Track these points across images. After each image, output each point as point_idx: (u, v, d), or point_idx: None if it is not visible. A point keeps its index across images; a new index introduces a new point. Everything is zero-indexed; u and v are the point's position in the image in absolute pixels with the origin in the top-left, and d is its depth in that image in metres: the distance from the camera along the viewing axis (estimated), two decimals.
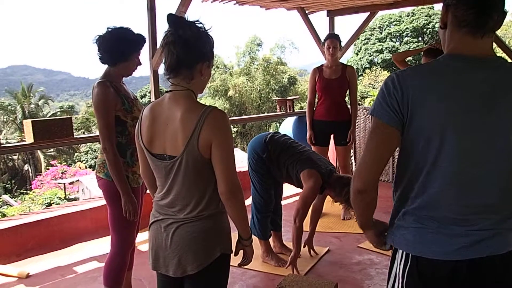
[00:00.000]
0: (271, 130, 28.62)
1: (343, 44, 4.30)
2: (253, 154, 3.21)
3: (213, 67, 29.82)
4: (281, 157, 3.14)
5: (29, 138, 3.41)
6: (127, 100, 2.37)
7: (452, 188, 1.22)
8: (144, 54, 2.48)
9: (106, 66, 2.38)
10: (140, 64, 2.46)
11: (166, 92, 1.63)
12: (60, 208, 4.38)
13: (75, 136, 3.63)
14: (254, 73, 30.39)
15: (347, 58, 33.19)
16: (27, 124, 3.42)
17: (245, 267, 3.05)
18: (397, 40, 34.29)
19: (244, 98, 29.52)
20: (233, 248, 1.71)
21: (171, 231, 1.61)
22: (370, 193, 1.31)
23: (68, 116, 3.64)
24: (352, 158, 5.90)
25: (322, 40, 4.23)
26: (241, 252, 1.76)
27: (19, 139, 28.46)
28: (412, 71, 1.26)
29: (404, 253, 1.32)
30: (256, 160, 3.18)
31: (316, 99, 4.22)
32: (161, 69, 4.15)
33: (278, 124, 22.51)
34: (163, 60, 1.61)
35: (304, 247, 3.33)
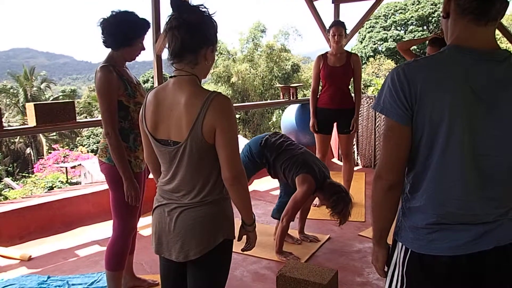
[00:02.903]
0: (274, 118, 28.48)
1: (348, 31, 4.24)
2: (247, 154, 3.28)
3: (217, 53, 29.82)
4: (276, 161, 3.21)
5: (31, 121, 3.40)
6: (130, 85, 2.36)
7: (458, 182, 1.21)
8: (148, 39, 2.45)
9: (109, 50, 2.36)
10: (143, 49, 2.44)
11: (170, 77, 1.61)
12: (61, 191, 4.39)
13: (77, 120, 3.62)
14: (257, 59, 30.21)
15: (351, 46, 32.97)
16: (30, 107, 3.41)
17: (247, 253, 3.09)
18: (402, 28, 33.99)
19: (247, 85, 29.40)
20: (236, 234, 1.72)
21: (175, 215, 1.61)
22: (400, 187, 1.31)
23: (71, 100, 3.60)
24: (355, 146, 5.88)
25: (327, 28, 4.17)
26: (244, 237, 1.76)
27: (22, 122, 28.50)
28: (418, 64, 1.24)
29: (405, 246, 1.32)
30: (249, 160, 3.26)
31: (320, 87, 4.19)
32: (165, 54, 4.13)
33: (281, 112, 22.47)
34: (167, 45, 1.59)
35: (301, 239, 3.45)
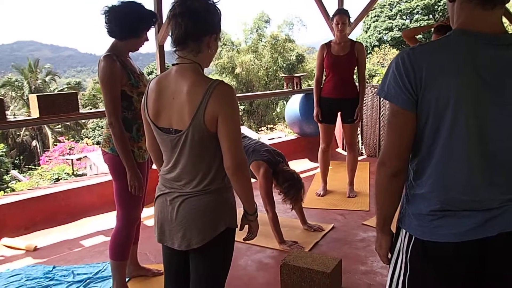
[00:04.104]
0: (278, 109, 28.42)
1: (352, 20, 4.20)
2: None
3: (221, 44, 29.40)
4: None
5: (34, 113, 3.41)
6: (133, 75, 2.35)
7: (462, 168, 1.19)
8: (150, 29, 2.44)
9: (112, 39, 2.35)
10: (147, 40, 2.44)
11: (173, 65, 1.60)
12: (66, 183, 4.41)
13: (80, 112, 3.62)
14: (261, 50, 30.10)
15: (356, 35, 32.71)
16: (33, 99, 3.42)
17: (251, 242, 3.09)
18: (407, 17, 33.66)
19: (251, 76, 29.33)
20: (239, 223, 1.72)
21: (177, 204, 1.61)
22: (404, 174, 1.30)
23: (74, 91, 3.60)
24: (359, 136, 5.86)
25: (331, 16, 4.13)
26: (246, 226, 1.76)
27: (27, 115, 28.62)
28: (423, 48, 1.22)
29: (408, 233, 1.32)
30: None
31: (324, 76, 4.16)
32: (167, 44, 4.10)
33: (285, 102, 22.40)
34: (170, 33, 1.58)
35: (305, 229, 3.46)
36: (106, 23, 2.28)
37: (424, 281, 1.29)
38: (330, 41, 4.10)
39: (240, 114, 28.07)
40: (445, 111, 1.17)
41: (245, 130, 22.13)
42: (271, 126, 25.22)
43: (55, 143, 24.79)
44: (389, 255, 1.44)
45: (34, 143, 29.02)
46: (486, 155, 1.19)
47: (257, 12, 32.39)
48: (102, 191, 3.92)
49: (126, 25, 2.28)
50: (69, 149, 20.90)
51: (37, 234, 3.52)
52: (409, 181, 1.32)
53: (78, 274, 2.85)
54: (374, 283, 2.65)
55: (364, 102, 5.47)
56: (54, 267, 2.95)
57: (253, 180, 4.60)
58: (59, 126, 29.08)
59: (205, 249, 1.62)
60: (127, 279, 2.70)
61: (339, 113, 4.17)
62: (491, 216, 1.21)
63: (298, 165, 5.45)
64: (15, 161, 28.43)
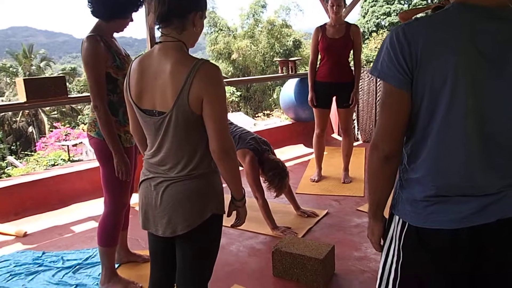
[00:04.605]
0: (275, 95, 28.31)
1: (347, 2, 4.09)
2: None
3: (217, 30, 29.05)
4: None
5: (21, 97, 3.33)
6: (119, 57, 2.27)
7: (460, 151, 1.13)
8: (140, 10, 2.36)
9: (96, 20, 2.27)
10: (132, 20, 2.36)
11: (156, 43, 1.53)
12: (58, 168, 4.35)
13: (69, 96, 3.54)
14: (258, 36, 29.84)
15: (353, 20, 32.38)
16: (19, 82, 3.33)
17: (243, 228, 3.05)
18: (406, 2, 33.33)
19: (248, 62, 29.12)
20: (226, 209, 1.66)
21: (161, 189, 1.55)
22: (398, 158, 1.24)
23: (62, 75, 3.52)
24: (355, 121, 5.80)
25: None
26: (234, 213, 1.71)
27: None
28: (419, 23, 1.14)
29: (402, 219, 1.26)
30: None
31: (319, 60, 4.08)
32: None
33: (282, 88, 22.23)
34: (153, 9, 1.50)
35: (298, 215, 3.43)
36: (89, 2, 2.19)
37: (417, 269, 1.24)
38: (325, 24, 4.01)
39: (237, 100, 28.04)
40: (442, 89, 1.11)
41: (241, 116, 22.05)
42: (268, 112, 25.14)
43: (51, 129, 24.67)
44: (382, 242, 1.39)
45: (30, 129, 28.87)
46: (485, 137, 1.13)
47: None
48: (93, 177, 3.86)
49: (114, 5, 2.19)
50: (65, 135, 20.79)
51: (27, 219, 3.48)
52: (403, 165, 1.27)
53: (67, 260, 2.80)
54: (367, 269, 2.62)
55: (360, 87, 5.42)
56: (43, 253, 2.91)
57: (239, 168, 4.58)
58: (55, 112, 28.92)
59: (191, 236, 1.57)
60: (117, 265, 2.67)
61: (334, 98, 4.10)
62: (489, 202, 1.15)
63: (293, 151, 5.41)
64: (12, 147, 28.32)
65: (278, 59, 5.41)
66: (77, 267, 2.72)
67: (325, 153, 4.45)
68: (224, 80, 4.50)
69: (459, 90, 1.09)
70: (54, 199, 3.70)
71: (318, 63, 4.07)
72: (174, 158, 1.53)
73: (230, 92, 26.53)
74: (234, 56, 28.70)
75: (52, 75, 28.84)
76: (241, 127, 3.42)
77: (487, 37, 1.08)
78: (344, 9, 3.93)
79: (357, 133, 5.86)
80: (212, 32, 29.92)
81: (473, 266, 1.19)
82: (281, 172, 3.10)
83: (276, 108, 25.87)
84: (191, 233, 1.55)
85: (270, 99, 29.04)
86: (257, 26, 30.29)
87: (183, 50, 1.50)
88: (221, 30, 29.81)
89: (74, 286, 2.50)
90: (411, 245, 1.24)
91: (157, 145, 1.55)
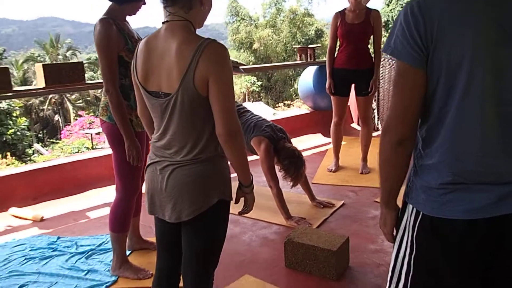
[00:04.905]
0: (296, 85, 28.15)
1: None
2: None
3: (238, 19, 28.86)
4: None
5: (40, 83, 3.36)
6: (131, 40, 2.24)
7: (478, 135, 1.05)
8: None
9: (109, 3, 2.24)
10: (144, 3, 2.32)
11: (163, 23, 1.49)
12: (76, 155, 4.40)
13: (86, 82, 3.55)
14: (280, 25, 29.54)
15: (378, 8, 31.75)
16: (38, 68, 3.36)
17: (256, 217, 3.01)
18: None
19: (269, 51, 28.89)
20: (234, 196, 1.62)
21: (167, 173, 1.52)
22: (411, 142, 1.16)
23: (80, 61, 3.53)
24: (375, 111, 5.66)
25: None
26: (242, 200, 1.66)
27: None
28: None
29: (415, 209, 1.19)
30: None
31: (338, 46, 3.97)
32: None
33: None
34: None
35: (314, 205, 3.36)
36: None
37: (431, 261, 1.16)
38: (345, 9, 3.89)
39: (258, 90, 27.94)
40: (459, 68, 1.03)
41: (261, 105, 21.94)
42: (289, 102, 24.94)
43: (75, 118, 25.11)
44: (394, 233, 1.32)
45: (56, 117, 29.47)
46: (505, 119, 1.04)
47: None
48: (110, 163, 3.74)
49: None
50: (89, 123, 21.10)
51: (45, 204, 3.53)
52: (418, 151, 1.19)
53: (81, 245, 2.83)
54: (383, 262, 2.54)
55: (380, 74, 5.27)
56: (58, 238, 2.94)
57: (254, 157, 4.51)
58: (80, 101, 29.41)
59: (197, 222, 1.53)
60: (128, 252, 2.67)
61: (353, 86, 3.98)
62: (509, 190, 1.07)
63: (311, 140, 5.32)
64: (39, 135, 29.00)
65: (297, 46, 5.30)
66: (90, 252, 2.73)
67: (343, 143, 4.36)
68: (242, 67, 4.45)
69: (478, 69, 1.01)
70: (71, 184, 3.73)
71: (337, 49, 3.96)
72: (180, 141, 1.49)
73: (251, 82, 26.45)
74: (255, 45, 28.49)
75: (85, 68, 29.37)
76: (257, 115, 3.36)
77: (508, 10, 1.00)
78: None
79: (377, 123, 5.72)
80: (234, 22, 29.79)
81: (489, 260, 1.11)
82: (297, 161, 3.03)
83: (296, 98, 25.66)
84: (197, 219, 1.52)
85: (291, 89, 28.79)
86: (279, 15, 29.98)
87: (190, 30, 1.45)
88: (243, 19, 29.62)
89: (86, 271, 2.51)
90: (425, 236, 1.16)
91: (163, 128, 1.51)
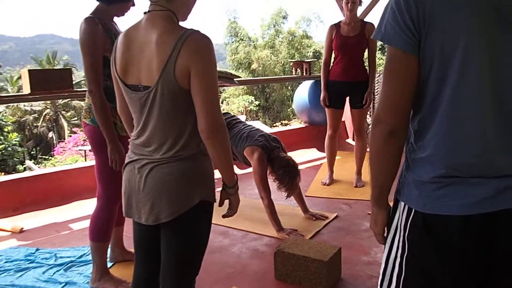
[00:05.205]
0: (293, 105, 28.41)
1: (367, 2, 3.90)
2: None
3: (237, 40, 29.05)
4: None
5: (26, 89, 3.27)
6: None
7: (474, 125, 0.97)
8: None
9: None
10: (134, 5, 2.26)
11: (144, 13, 1.41)
12: (62, 165, 4.28)
13: (74, 89, 3.46)
14: (278, 46, 29.83)
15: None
16: (24, 74, 3.27)
17: (247, 229, 2.90)
18: None
19: (267, 72, 29.06)
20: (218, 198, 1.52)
21: (145, 172, 1.41)
22: (403, 133, 1.08)
23: (68, 67, 3.45)
24: (370, 126, 5.58)
25: None
26: (226, 202, 1.55)
27: (44, 106, 28.93)
28: None
29: (407, 206, 1.10)
30: None
31: (333, 59, 3.92)
32: None
33: None
34: None
35: (307, 217, 3.25)
36: None
37: (423, 262, 1.07)
38: (340, 22, 3.86)
39: (255, 109, 28.02)
40: (453, 53, 0.96)
41: (257, 123, 21.90)
42: (286, 122, 24.96)
43: (69, 135, 25.00)
44: (386, 233, 1.22)
45: (50, 134, 29.32)
46: (504, 108, 0.97)
47: (275, 7, 32.04)
48: None
49: None
50: (83, 140, 20.97)
51: (26, 216, 3.38)
52: (410, 144, 1.10)
53: (60, 257, 2.69)
54: (376, 274, 2.39)
55: (376, 90, 5.23)
56: (37, 250, 2.80)
57: (248, 170, 4.39)
58: (75, 118, 29.31)
59: (177, 225, 1.43)
60: (111, 264, 2.55)
61: (347, 99, 3.92)
62: (507, 184, 0.98)
63: (306, 154, 5.23)
64: (32, 152, 28.76)
65: (292, 60, 5.26)
66: (70, 264, 2.60)
67: (338, 157, 4.27)
68: (237, 79, 4.38)
69: (473, 55, 0.94)
70: (56, 195, 3.60)
71: (332, 62, 3.92)
72: (160, 138, 1.39)
73: (249, 101, 26.52)
74: (254, 66, 28.68)
75: (80, 83, 29.38)
76: (250, 125, 3.28)
77: None
78: (359, 6, 3.76)
79: (376, 112, 5.62)
80: (233, 42, 30.06)
81: (487, 259, 1.01)
82: (291, 170, 2.94)
83: (294, 118, 25.72)
84: (176, 221, 1.41)
85: (288, 110, 28.86)
86: (278, 36, 30.30)
87: (173, 20, 1.37)
88: (242, 40, 29.90)
89: (64, 283, 2.37)
90: (417, 235, 1.07)
91: (142, 124, 1.42)
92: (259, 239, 2.94)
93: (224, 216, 1.58)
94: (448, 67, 0.97)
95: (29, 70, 3.23)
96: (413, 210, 1.07)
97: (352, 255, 2.63)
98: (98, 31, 2.09)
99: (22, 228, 3.14)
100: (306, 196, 3.61)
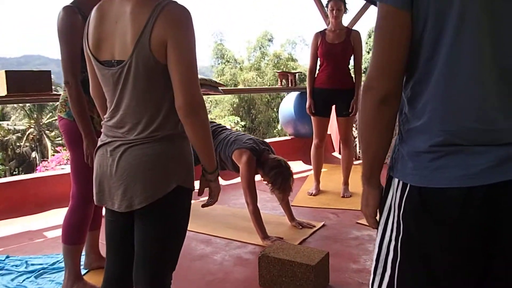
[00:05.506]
0: (279, 126, 28.33)
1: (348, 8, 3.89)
2: None
3: (224, 61, 29.38)
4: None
5: (2, 91, 3.13)
6: None
7: (473, 87, 0.90)
8: None
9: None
10: None
11: None
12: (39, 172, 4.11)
13: (54, 93, 3.34)
14: (264, 68, 30.07)
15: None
16: (1, 75, 3.14)
17: (231, 237, 2.77)
18: None
19: (253, 93, 29.20)
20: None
21: (118, 155, 1.31)
22: (397, 101, 1.00)
23: (47, 70, 3.34)
24: (356, 139, 5.54)
25: (326, 3, 3.87)
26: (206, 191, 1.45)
27: (27, 126, 28.50)
28: None
29: (402, 182, 1.01)
30: None
31: (318, 66, 3.89)
32: None
33: None
34: None
35: (293, 226, 3.14)
36: None
37: (420, 243, 0.97)
38: (325, 29, 3.85)
39: (241, 130, 28.01)
40: (448, 10, 0.89)
41: None
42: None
43: (53, 154, 24.54)
44: (378, 217, 1.13)
45: (33, 154, 28.77)
46: (505, 69, 0.89)
47: (261, 30, 32.51)
48: None
49: None
50: (67, 159, 20.61)
51: None
52: (403, 115, 1.02)
53: (32, 264, 2.53)
54: (366, 281, 2.31)
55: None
56: (7, 257, 2.63)
57: (231, 181, 4.25)
58: (60, 138, 28.89)
59: (151, 212, 1.32)
60: (85, 271, 2.40)
61: (333, 107, 3.88)
62: (511, 153, 0.90)
63: (292, 167, 5.13)
64: (14, 172, 28.13)
65: (277, 71, 5.23)
66: (41, 271, 2.44)
67: (324, 170, 4.20)
68: (222, 88, 4.30)
69: (470, 10, 0.88)
70: (31, 203, 3.43)
71: (318, 69, 3.88)
72: (134, 117, 1.30)
73: (235, 122, 26.51)
74: (240, 87, 28.84)
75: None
76: (236, 131, 3.19)
77: None
78: (344, 14, 3.76)
79: (358, 152, 5.58)
80: (219, 64, 30.23)
81: (491, 233, 0.92)
82: (284, 171, 2.85)
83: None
84: (151, 208, 1.30)
85: (274, 131, 28.90)
86: (264, 59, 30.59)
87: None
88: (228, 62, 30.10)
89: None
90: (413, 213, 0.98)
91: (115, 102, 1.32)
92: (243, 247, 2.82)
93: (204, 206, 1.47)
94: (444, 24, 0.90)
95: (5, 71, 3.11)
96: (408, 185, 0.98)
97: (341, 262, 2.52)
98: (77, 21, 2.00)
99: None
100: (292, 205, 3.50)
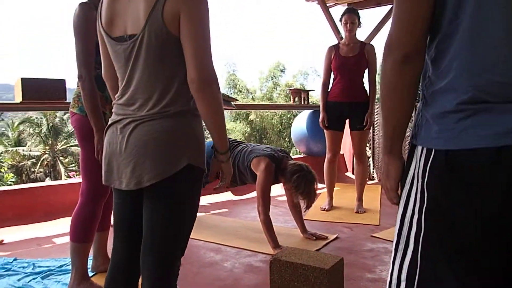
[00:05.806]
0: (291, 135, 28.41)
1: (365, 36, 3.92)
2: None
3: (236, 91, 29.85)
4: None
5: (18, 97, 3.17)
6: None
7: (503, 38, 0.85)
8: None
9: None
10: None
11: None
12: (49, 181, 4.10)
13: (68, 101, 3.37)
14: (276, 98, 30.32)
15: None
16: (17, 83, 3.19)
17: (241, 247, 2.70)
18: None
19: (265, 123, 29.33)
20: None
21: (128, 132, 1.28)
22: (420, 61, 0.95)
23: (62, 78, 3.38)
24: (370, 159, 5.46)
25: (340, 17, 3.89)
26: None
27: (43, 152, 28.87)
28: None
29: (426, 148, 0.95)
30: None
31: (332, 80, 3.87)
32: None
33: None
34: None
35: (306, 238, 3.06)
36: None
37: (446, 211, 0.90)
38: (339, 43, 3.86)
39: None
40: None
41: None
42: None
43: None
44: (399, 191, 1.07)
45: (47, 180, 29.03)
46: None
47: (273, 61, 33.00)
48: None
49: None
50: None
51: (6, 230, 3.17)
52: (427, 79, 0.97)
53: (39, 266, 2.48)
54: None
55: (376, 120, 5.16)
56: (15, 259, 2.59)
57: (242, 196, 4.14)
58: (73, 164, 29.16)
59: (161, 190, 1.27)
60: (92, 274, 2.33)
61: (347, 120, 3.84)
62: None
63: None
64: None
65: (290, 88, 5.23)
66: (48, 273, 2.39)
67: (337, 188, 4.12)
68: (234, 103, 4.30)
69: None
70: (40, 211, 3.41)
71: (331, 83, 3.87)
72: (145, 93, 1.28)
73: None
74: (251, 117, 28.99)
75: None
76: (253, 143, 3.15)
77: None
78: (358, 28, 3.77)
79: (372, 171, 5.48)
80: (231, 94, 30.61)
81: None
82: (307, 175, 2.75)
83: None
84: (160, 185, 1.26)
85: None
86: (276, 89, 30.91)
87: None
88: (240, 91, 30.45)
89: None
90: (439, 179, 0.91)
91: (126, 79, 1.31)
92: (254, 256, 2.73)
93: (216, 189, 1.43)
94: None
95: (21, 78, 3.15)
96: (433, 150, 0.92)
97: (355, 272, 2.43)
98: (92, 17, 2.02)
99: (3, 240, 2.95)
100: (304, 219, 3.41)
